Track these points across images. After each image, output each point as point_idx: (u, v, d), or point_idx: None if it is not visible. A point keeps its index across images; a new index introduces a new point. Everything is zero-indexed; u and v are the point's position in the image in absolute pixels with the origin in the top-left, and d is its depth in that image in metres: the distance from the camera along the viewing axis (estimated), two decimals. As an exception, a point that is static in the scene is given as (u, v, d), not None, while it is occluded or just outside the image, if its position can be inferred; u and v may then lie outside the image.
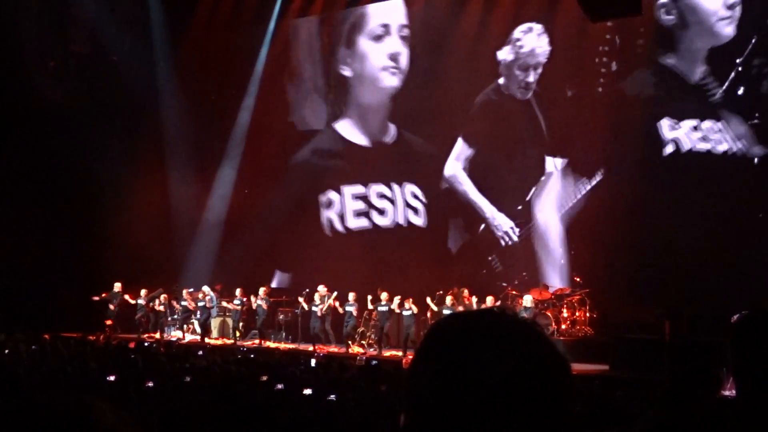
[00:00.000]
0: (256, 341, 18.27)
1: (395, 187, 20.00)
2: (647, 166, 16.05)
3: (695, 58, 15.80)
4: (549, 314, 15.92)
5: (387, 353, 16.20)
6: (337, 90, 21.21)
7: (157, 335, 19.32)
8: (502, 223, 17.98)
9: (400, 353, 15.71)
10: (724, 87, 15.45)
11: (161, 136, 22.09)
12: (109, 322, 19.39)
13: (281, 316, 19.13)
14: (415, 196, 19.75)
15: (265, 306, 18.34)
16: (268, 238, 21.04)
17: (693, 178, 15.57)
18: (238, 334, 18.81)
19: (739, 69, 15.09)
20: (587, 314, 15.96)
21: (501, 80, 18.41)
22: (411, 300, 16.32)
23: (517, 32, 18.05)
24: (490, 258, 17.98)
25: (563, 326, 15.93)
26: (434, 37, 18.93)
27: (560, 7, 17.00)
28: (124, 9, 21.33)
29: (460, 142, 18.84)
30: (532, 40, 17.82)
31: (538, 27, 17.77)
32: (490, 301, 15.44)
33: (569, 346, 14.42)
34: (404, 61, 20.07)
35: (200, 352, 13.65)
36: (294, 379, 8.81)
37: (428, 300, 16.12)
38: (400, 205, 19.95)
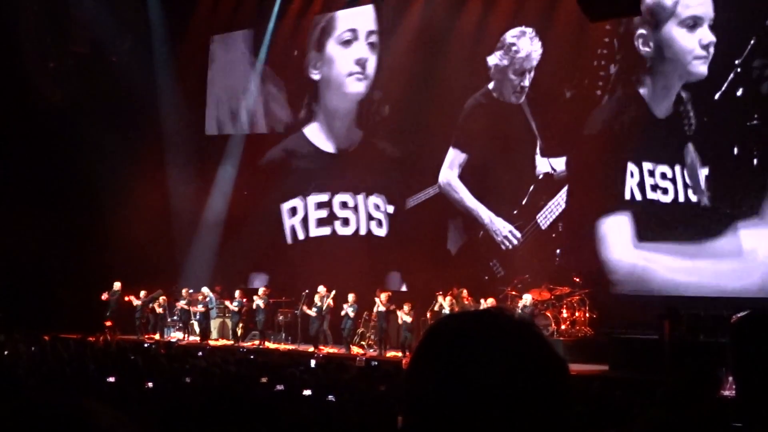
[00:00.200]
0: (256, 342, 18.26)
1: (359, 196, 20.19)
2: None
3: (667, 94, 15.95)
4: (549, 315, 15.92)
5: (386, 354, 16.19)
6: (307, 93, 21.35)
7: (157, 336, 19.31)
8: (501, 228, 17.95)
9: (399, 354, 15.71)
10: (693, 125, 15.54)
11: (161, 136, 22.09)
12: (108, 323, 19.37)
13: (281, 317, 19.13)
14: (377, 207, 19.88)
15: (263, 305, 18.33)
16: (267, 239, 21.14)
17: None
18: (239, 332, 18.80)
19: (738, 70, 15.09)
20: (587, 314, 15.95)
21: (491, 84, 18.39)
22: (410, 305, 16.29)
23: (510, 36, 18.00)
24: (491, 263, 17.95)
25: (563, 326, 15.93)
26: (426, 42, 18.90)
27: (558, 9, 16.97)
28: (123, 9, 21.33)
29: (451, 150, 18.81)
30: (525, 43, 17.79)
31: (530, 30, 17.74)
32: (490, 303, 15.42)
33: (569, 346, 14.41)
34: (371, 67, 20.15)
35: (200, 353, 13.64)
36: (294, 379, 8.81)
37: (428, 314, 16.09)
38: (363, 214, 20.14)
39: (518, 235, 17.70)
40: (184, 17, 22.04)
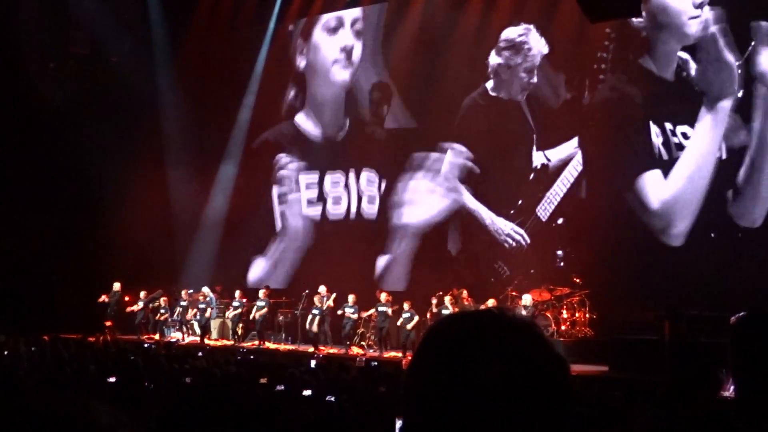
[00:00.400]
0: (256, 342, 18.27)
1: (350, 174, 20.35)
2: (640, 168, 16.18)
3: (669, 60, 15.94)
4: (549, 315, 15.92)
5: (387, 354, 16.20)
6: (295, 81, 21.48)
7: (157, 336, 19.32)
8: (503, 227, 17.95)
9: (399, 354, 15.71)
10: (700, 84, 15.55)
11: (161, 137, 22.11)
12: (108, 324, 19.39)
13: (281, 317, 19.13)
14: (370, 182, 20.02)
15: (264, 306, 18.34)
16: (266, 233, 21.22)
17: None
18: (239, 333, 18.80)
19: (739, 71, 15.10)
20: (587, 315, 15.95)
21: (489, 84, 18.39)
22: (410, 304, 16.32)
23: (518, 34, 18.00)
24: (496, 265, 17.94)
25: (563, 327, 15.93)
26: (427, 40, 18.92)
27: (558, 10, 16.98)
28: (123, 9, 21.35)
29: (449, 152, 18.79)
30: (534, 40, 17.78)
31: (533, 29, 17.76)
32: (491, 303, 15.40)
33: (569, 347, 14.41)
34: (356, 55, 20.27)
35: (200, 354, 13.65)
36: (294, 380, 8.81)
37: (428, 315, 16.12)
38: (354, 192, 20.28)
39: (521, 232, 17.69)
40: (184, 17, 22.05)
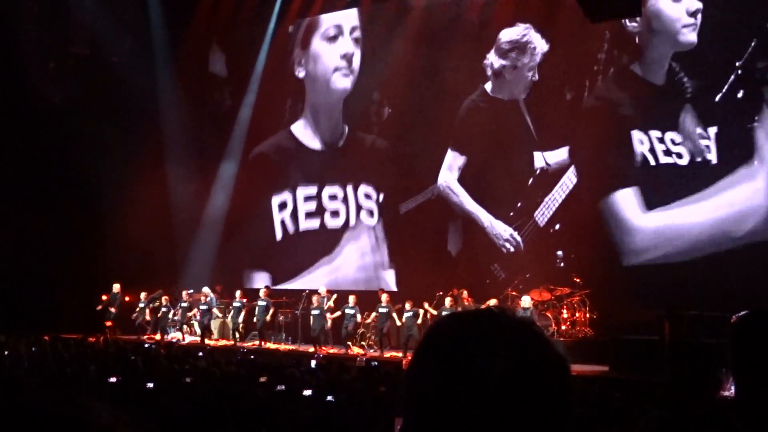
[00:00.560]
0: (256, 342, 18.27)
1: (348, 187, 20.31)
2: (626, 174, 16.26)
3: (660, 66, 15.99)
4: (549, 315, 15.92)
5: (387, 354, 16.20)
6: (294, 92, 21.45)
7: (157, 337, 19.32)
8: (502, 232, 17.94)
9: (400, 354, 15.71)
10: (690, 90, 15.58)
11: (161, 137, 22.11)
12: (108, 324, 19.40)
13: (281, 317, 19.13)
14: (368, 197, 19.95)
15: (264, 306, 18.33)
16: (264, 237, 21.20)
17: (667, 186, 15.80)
18: (238, 334, 18.80)
19: (739, 72, 15.10)
20: (587, 315, 15.95)
21: (488, 85, 18.39)
22: (411, 303, 16.33)
23: (520, 35, 18.00)
24: (492, 267, 17.94)
25: (563, 327, 15.93)
26: (428, 40, 18.92)
27: (559, 10, 16.98)
28: (123, 9, 21.35)
29: (450, 152, 18.81)
30: (536, 39, 17.78)
31: (533, 29, 17.76)
32: (493, 303, 15.42)
33: (569, 347, 14.41)
34: (356, 62, 20.23)
35: (200, 354, 13.65)
36: (294, 380, 8.81)
37: (426, 305, 16.19)
38: (353, 205, 20.25)
39: (519, 239, 17.69)
40: (184, 18, 22.05)
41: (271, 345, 18.07)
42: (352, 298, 17.15)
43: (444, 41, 18.69)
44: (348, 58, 20.39)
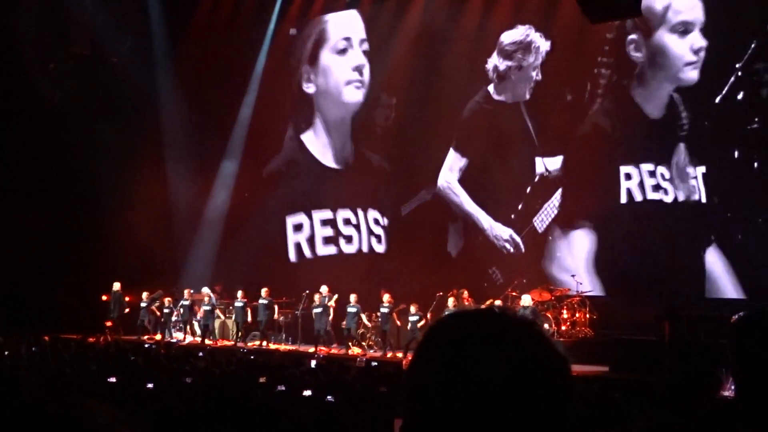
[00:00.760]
0: (257, 342, 18.26)
1: (359, 211, 20.22)
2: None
3: (659, 98, 16.01)
4: (549, 315, 15.92)
5: (388, 354, 16.20)
6: (304, 107, 21.35)
7: (158, 337, 19.31)
8: (502, 233, 17.94)
9: (400, 354, 15.71)
10: (687, 126, 15.62)
11: (161, 137, 22.10)
12: (109, 324, 19.38)
13: (281, 318, 19.12)
14: (377, 222, 19.92)
15: (265, 306, 18.33)
16: (269, 248, 21.15)
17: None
18: (239, 334, 18.80)
19: (739, 74, 15.09)
20: (587, 315, 15.96)
21: (491, 87, 18.38)
22: (417, 306, 16.29)
23: (517, 35, 17.98)
24: (490, 270, 17.94)
25: (563, 327, 15.93)
26: (428, 44, 18.90)
27: (559, 12, 16.98)
28: (123, 9, 21.33)
29: (452, 152, 18.80)
30: (538, 39, 17.77)
31: (535, 31, 17.76)
32: (497, 303, 15.40)
33: (569, 347, 14.39)
34: (367, 74, 20.14)
35: (200, 354, 13.64)
36: (294, 380, 8.81)
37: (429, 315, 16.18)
38: (364, 230, 20.16)
39: (519, 240, 17.69)
40: (184, 17, 22.05)
41: (271, 345, 18.07)
42: (353, 297, 17.14)
43: (444, 42, 18.67)
44: (359, 69, 20.29)
